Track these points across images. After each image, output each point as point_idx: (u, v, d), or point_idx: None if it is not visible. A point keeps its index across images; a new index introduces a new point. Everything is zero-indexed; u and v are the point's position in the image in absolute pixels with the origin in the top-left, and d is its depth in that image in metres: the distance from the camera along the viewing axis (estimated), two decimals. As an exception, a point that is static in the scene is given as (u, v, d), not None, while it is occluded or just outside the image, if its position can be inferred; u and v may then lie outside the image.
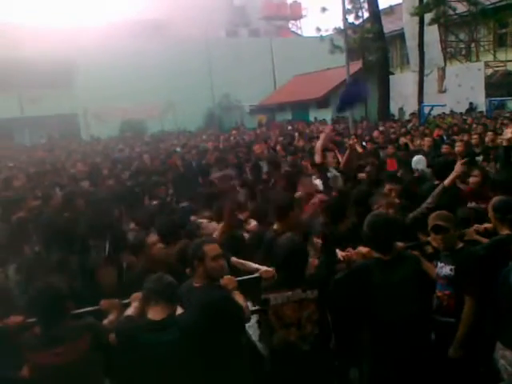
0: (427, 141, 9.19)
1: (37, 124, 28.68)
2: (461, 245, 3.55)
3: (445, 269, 3.51)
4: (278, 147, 11.47)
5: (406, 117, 22.88)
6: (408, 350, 3.18)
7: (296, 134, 14.40)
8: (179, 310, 3.02)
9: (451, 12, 21.08)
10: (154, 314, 2.86)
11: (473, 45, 27.73)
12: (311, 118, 27.60)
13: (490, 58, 25.64)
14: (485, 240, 3.76)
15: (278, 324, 3.22)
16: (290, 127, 22.55)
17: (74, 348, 2.80)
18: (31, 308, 2.92)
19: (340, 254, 3.78)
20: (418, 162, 7.54)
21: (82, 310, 3.19)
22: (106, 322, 3.14)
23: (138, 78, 28.58)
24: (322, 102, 27.98)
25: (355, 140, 8.21)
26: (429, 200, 4.21)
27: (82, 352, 2.81)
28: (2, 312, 3.16)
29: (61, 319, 2.87)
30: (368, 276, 3.26)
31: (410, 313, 3.22)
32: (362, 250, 3.60)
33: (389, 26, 25.03)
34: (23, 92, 27.11)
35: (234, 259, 3.94)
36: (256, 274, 3.59)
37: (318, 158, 6.35)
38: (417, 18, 20.47)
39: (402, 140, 10.50)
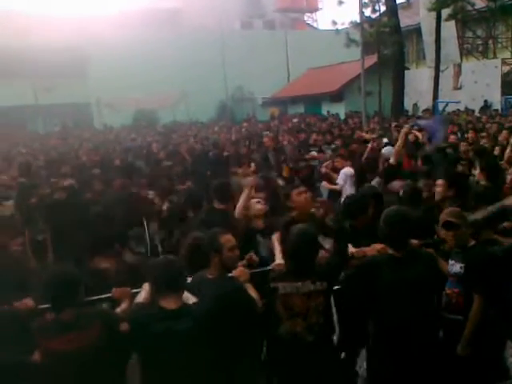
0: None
1: (50, 112, 28.91)
2: (472, 243, 3.53)
3: (455, 266, 3.49)
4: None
5: (420, 113, 22.69)
6: (415, 347, 3.18)
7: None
8: (192, 299, 3.03)
9: (469, 7, 20.79)
10: (167, 302, 2.88)
11: (490, 41, 27.32)
12: (324, 112, 27.45)
13: (507, 55, 25.25)
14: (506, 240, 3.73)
15: (285, 314, 3.22)
16: (295, 120, 22.45)
17: (86, 335, 2.81)
18: (44, 292, 2.93)
19: (352, 250, 3.78)
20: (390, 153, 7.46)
21: (93, 298, 3.22)
22: (118, 310, 3.16)
23: (152, 67, 28.62)
24: (335, 96, 27.82)
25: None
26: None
27: (93, 339, 2.81)
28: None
29: (73, 305, 2.88)
30: (378, 272, 3.26)
31: (419, 311, 3.21)
32: (377, 246, 3.59)
33: (405, 20, 24.75)
34: (37, 80, 27.23)
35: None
36: (267, 267, 3.60)
37: (393, 160, 6.35)
38: (434, 13, 20.24)
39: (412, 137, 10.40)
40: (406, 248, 3.32)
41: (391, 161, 6.47)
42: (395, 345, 3.22)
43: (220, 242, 3.21)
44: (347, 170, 7.35)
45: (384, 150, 7.90)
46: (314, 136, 12.27)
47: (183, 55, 30.07)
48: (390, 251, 3.35)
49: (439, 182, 4.43)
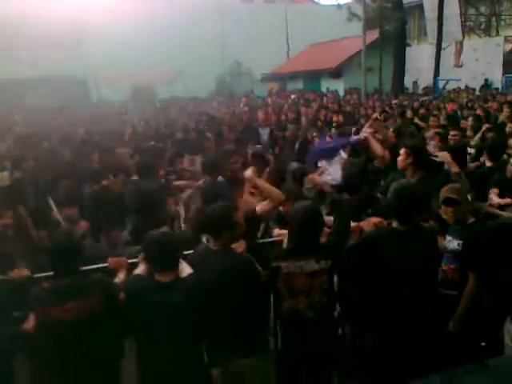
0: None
1: (48, 86, 28.54)
2: (472, 220, 3.52)
3: (452, 243, 3.49)
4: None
5: (420, 91, 22.53)
6: (413, 322, 3.19)
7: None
8: (187, 270, 3.02)
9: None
10: (162, 276, 2.92)
11: (493, 19, 26.98)
12: (323, 89, 27.20)
13: (510, 32, 24.97)
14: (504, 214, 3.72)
15: (287, 293, 3.18)
16: (294, 96, 22.19)
17: (86, 303, 2.80)
18: (49, 255, 2.91)
19: (352, 226, 3.75)
20: None
21: (89, 267, 3.19)
22: (117, 280, 3.15)
23: (149, 42, 28.18)
24: (334, 73, 27.51)
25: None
26: None
27: (93, 308, 2.81)
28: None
29: (73, 273, 2.87)
30: (381, 246, 3.25)
31: (420, 286, 3.21)
32: (373, 219, 3.58)
33: (408, -4, 24.39)
34: (35, 53, 26.85)
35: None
36: (268, 239, 3.57)
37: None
38: (436, -10, 19.94)
39: (410, 113, 10.33)
40: (411, 222, 3.29)
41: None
42: (393, 319, 3.22)
43: (234, 217, 3.15)
44: None
45: None
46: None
47: (181, 29, 29.55)
48: (395, 224, 3.32)
49: (401, 150, 4.51)
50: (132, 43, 27.48)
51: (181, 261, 3.07)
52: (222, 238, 3.10)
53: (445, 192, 3.52)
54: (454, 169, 4.39)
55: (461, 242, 3.42)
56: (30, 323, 2.81)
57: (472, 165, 5.83)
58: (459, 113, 11.41)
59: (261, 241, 3.68)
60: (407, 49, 22.34)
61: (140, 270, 3.08)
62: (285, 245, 3.38)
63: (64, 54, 27.31)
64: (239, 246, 3.30)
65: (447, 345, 3.34)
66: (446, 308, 3.37)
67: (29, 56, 26.73)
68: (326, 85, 27.68)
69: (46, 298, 2.81)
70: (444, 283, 3.48)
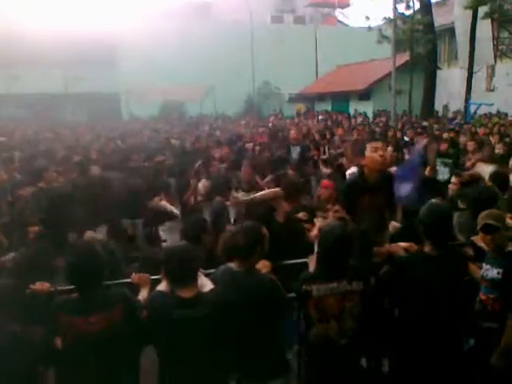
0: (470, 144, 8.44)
1: (79, 101, 29.27)
2: (511, 247, 3.34)
3: (491, 271, 3.31)
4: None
5: (450, 114, 22.21)
6: (437, 351, 3.04)
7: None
8: (208, 285, 2.97)
9: (507, 6, 20.18)
10: (183, 292, 2.84)
11: (527, 43, 26.55)
12: (351, 110, 27.11)
13: (544, 57, 24.49)
14: None
15: (317, 317, 3.07)
16: (321, 117, 22.18)
17: (108, 317, 2.78)
18: (69, 272, 2.87)
19: (378, 249, 3.62)
20: None
21: (112, 282, 3.16)
22: (140, 297, 3.11)
23: (181, 60, 28.73)
24: (363, 94, 27.46)
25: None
26: None
27: (114, 321, 2.79)
28: None
29: (98, 286, 2.85)
30: (413, 271, 3.11)
31: (450, 314, 3.07)
32: (403, 244, 3.46)
33: (438, 19, 24.17)
34: (67, 70, 27.62)
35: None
36: (294, 261, 3.48)
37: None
38: (469, 13, 19.73)
39: (446, 135, 10.14)
40: (444, 247, 3.15)
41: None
42: (419, 345, 3.09)
43: (263, 234, 3.11)
44: None
45: None
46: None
47: (212, 48, 30.09)
48: (427, 249, 3.18)
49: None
50: (164, 61, 28.03)
51: (200, 275, 3.01)
52: (250, 261, 3.07)
53: (483, 218, 3.36)
54: None
55: (501, 270, 3.24)
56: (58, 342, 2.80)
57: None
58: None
59: (285, 262, 3.56)
60: (438, 72, 22.11)
61: (162, 285, 3.02)
62: (311, 268, 3.27)
63: (97, 71, 28.01)
64: (264, 267, 3.24)
65: (490, 381, 3.15)
66: (484, 341, 3.18)
67: (63, 73, 27.49)
68: (355, 106, 27.60)
69: (71, 308, 2.79)
70: (483, 314, 3.29)
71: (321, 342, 3.08)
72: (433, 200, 3.36)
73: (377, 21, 22.34)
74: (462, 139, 9.60)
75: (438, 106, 23.93)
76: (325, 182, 5.67)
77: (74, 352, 2.79)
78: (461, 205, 4.65)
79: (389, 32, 19.41)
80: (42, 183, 5.77)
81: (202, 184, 6.90)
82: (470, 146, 8.11)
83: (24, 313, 2.82)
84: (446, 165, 7.68)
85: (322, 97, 31.53)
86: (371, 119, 21.41)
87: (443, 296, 3.06)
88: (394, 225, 4.24)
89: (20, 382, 2.73)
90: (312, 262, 3.33)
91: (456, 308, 3.15)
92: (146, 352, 3.07)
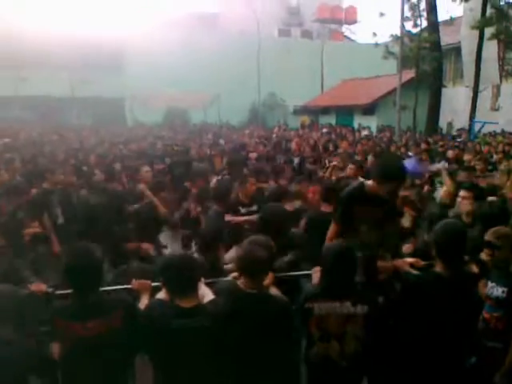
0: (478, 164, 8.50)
1: (85, 105, 29.38)
2: (516, 265, 3.30)
3: (496, 290, 3.27)
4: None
5: (454, 132, 22.25)
6: (440, 370, 2.98)
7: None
8: (209, 295, 2.92)
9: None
10: (182, 301, 2.77)
11: (533, 64, 26.64)
12: (355, 124, 27.18)
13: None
14: None
15: (318, 336, 2.98)
16: (325, 130, 22.21)
17: (107, 322, 2.72)
18: (67, 274, 2.79)
19: (381, 264, 3.54)
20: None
21: (111, 288, 3.14)
22: (140, 304, 3.04)
23: (187, 68, 28.84)
24: (367, 109, 27.54)
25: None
26: None
27: (113, 327, 2.73)
28: None
29: (96, 289, 2.79)
30: (424, 292, 3.01)
31: (454, 333, 2.98)
32: (409, 259, 3.41)
33: (445, 38, 24.33)
34: (74, 73, 27.76)
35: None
36: (296, 273, 3.43)
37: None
38: (475, 33, 19.85)
39: (452, 153, 10.14)
40: (456, 266, 3.04)
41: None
42: (422, 364, 3.01)
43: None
44: None
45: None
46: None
47: (218, 57, 30.24)
48: (438, 268, 3.06)
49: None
50: (169, 68, 28.15)
51: (201, 285, 2.96)
52: (260, 279, 2.99)
53: (488, 236, 3.34)
54: None
55: (505, 289, 3.20)
56: (55, 349, 2.74)
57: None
58: (494, 156, 11.14)
59: (289, 274, 3.52)
60: (443, 90, 22.20)
61: (162, 293, 2.97)
62: (315, 280, 3.23)
63: (103, 75, 28.14)
64: (267, 278, 3.16)
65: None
66: (487, 360, 3.13)
67: (69, 77, 27.61)
68: (359, 120, 27.68)
69: (69, 313, 2.74)
70: (486, 332, 3.24)
71: (321, 362, 2.99)
72: (447, 220, 3.29)
73: (383, 37, 22.41)
74: (467, 157, 9.60)
75: (442, 123, 23.99)
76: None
77: (71, 357, 2.74)
78: (465, 219, 4.58)
79: (395, 49, 19.54)
80: (46, 184, 5.76)
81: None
82: (478, 165, 8.04)
83: (19, 319, 2.76)
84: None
85: (326, 110, 31.62)
86: (375, 134, 21.48)
87: (451, 317, 2.96)
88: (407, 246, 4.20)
89: None
90: (316, 275, 3.29)
91: (462, 328, 3.07)
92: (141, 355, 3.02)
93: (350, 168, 7.33)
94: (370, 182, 3.57)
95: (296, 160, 9.96)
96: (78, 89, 28.47)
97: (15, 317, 2.74)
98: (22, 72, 27.39)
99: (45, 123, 21.92)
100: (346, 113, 29.59)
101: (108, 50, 27.31)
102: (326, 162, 10.00)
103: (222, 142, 14.95)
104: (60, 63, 26.70)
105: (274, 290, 3.16)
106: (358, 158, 10.25)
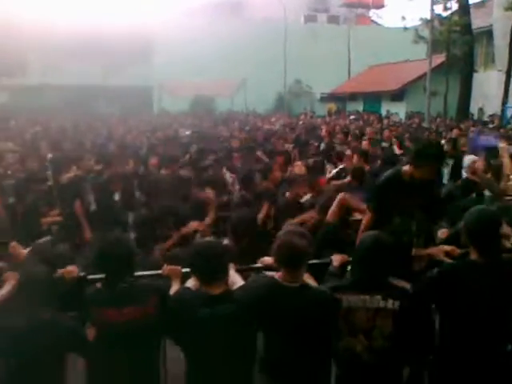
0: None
1: (114, 94, 29.74)
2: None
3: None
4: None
5: (486, 118, 21.69)
6: (481, 361, 2.89)
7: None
8: (239, 282, 2.92)
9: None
10: (211, 288, 2.75)
11: None
12: (383, 111, 26.73)
13: None
14: None
15: (346, 330, 2.88)
16: (352, 117, 21.94)
17: (140, 309, 2.76)
18: (100, 261, 2.84)
19: (417, 251, 3.47)
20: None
21: (142, 273, 3.14)
22: (171, 291, 3.03)
23: (213, 55, 28.84)
24: (396, 95, 27.05)
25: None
26: None
27: (147, 314, 2.76)
28: None
29: (128, 276, 2.83)
30: (459, 280, 2.89)
31: (494, 323, 2.87)
32: (445, 247, 3.33)
33: (476, 21, 23.63)
34: (105, 62, 28.09)
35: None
36: (322, 260, 3.36)
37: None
38: (508, 15, 19.23)
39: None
40: (492, 254, 2.91)
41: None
42: (462, 356, 2.93)
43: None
44: None
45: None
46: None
47: (244, 45, 30.12)
48: (473, 256, 2.95)
49: None
50: (196, 56, 28.22)
51: (232, 272, 2.95)
52: (301, 272, 2.86)
53: None
54: None
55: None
56: (90, 333, 2.77)
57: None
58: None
59: (314, 261, 3.42)
60: (474, 75, 21.63)
61: (191, 283, 2.96)
62: (336, 263, 3.21)
63: (133, 65, 28.38)
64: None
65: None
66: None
67: (100, 66, 27.97)
68: (387, 107, 27.21)
69: (104, 299, 2.78)
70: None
71: (348, 358, 2.91)
72: (480, 206, 3.20)
73: (412, 21, 21.87)
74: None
75: (473, 109, 23.41)
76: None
77: (104, 341, 2.77)
78: None
79: (425, 32, 19.08)
80: (78, 171, 5.88)
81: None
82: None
83: (55, 300, 2.80)
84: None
85: (353, 97, 31.20)
86: (404, 120, 21.12)
87: (490, 306, 2.85)
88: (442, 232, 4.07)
89: (46, 370, 2.71)
90: (336, 258, 3.26)
91: (502, 317, 2.97)
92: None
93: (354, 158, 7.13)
94: (406, 168, 3.53)
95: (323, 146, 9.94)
96: (107, 78, 28.83)
97: (52, 298, 2.78)
98: (55, 60, 27.82)
99: (74, 112, 22.24)
100: (373, 99, 29.14)
101: (136, 40, 27.48)
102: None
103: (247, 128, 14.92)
104: (90, 53, 27.03)
105: (311, 282, 3.03)
106: (384, 144, 10.14)
